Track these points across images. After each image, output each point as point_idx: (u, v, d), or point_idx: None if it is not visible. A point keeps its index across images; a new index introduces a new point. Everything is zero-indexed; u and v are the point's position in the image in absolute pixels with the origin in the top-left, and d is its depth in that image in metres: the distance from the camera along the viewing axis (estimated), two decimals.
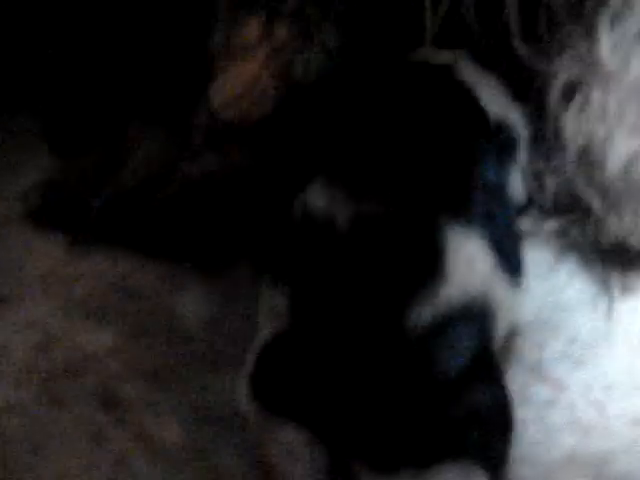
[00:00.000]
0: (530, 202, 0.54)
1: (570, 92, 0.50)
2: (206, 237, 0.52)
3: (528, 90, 0.53)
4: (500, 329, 0.44)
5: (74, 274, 0.50)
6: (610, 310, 0.50)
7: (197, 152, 0.52)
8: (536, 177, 0.54)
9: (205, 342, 0.47)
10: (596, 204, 0.50)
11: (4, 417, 0.43)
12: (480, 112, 0.48)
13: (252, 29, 0.55)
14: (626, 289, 0.51)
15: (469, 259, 0.41)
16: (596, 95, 0.49)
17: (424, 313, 0.39)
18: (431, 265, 0.40)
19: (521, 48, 0.49)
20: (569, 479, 0.43)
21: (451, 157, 0.44)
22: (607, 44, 0.49)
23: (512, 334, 0.47)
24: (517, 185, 0.52)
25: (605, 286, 0.52)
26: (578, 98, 0.49)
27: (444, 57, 0.50)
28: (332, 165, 0.45)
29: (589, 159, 0.49)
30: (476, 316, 0.41)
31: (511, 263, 0.44)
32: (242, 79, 0.54)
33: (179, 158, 0.52)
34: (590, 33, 0.49)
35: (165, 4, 0.56)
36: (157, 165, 0.52)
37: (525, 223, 0.54)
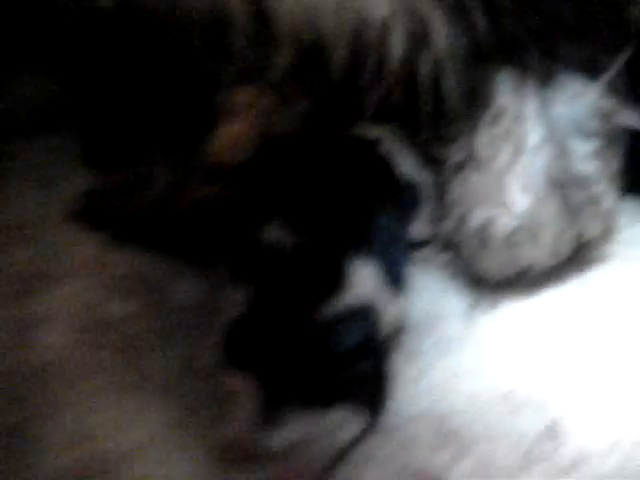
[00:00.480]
0: (430, 240, 0.76)
1: (457, 169, 0.72)
2: (199, 242, 0.74)
3: (434, 162, 0.75)
4: (386, 325, 0.66)
5: (107, 261, 0.72)
6: (472, 320, 0.72)
7: (199, 183, 0.74)
8: (435, 223, 0.76)
9: (192, 313, 0.69)
10: (465, 249, 0.72)
11: (56, 356, 0.65)
12: (389, 177, 0.70)
13: (244, 96, 0.76)
14: (491, 306, 0.73)
15: (364, 279, 0.64)
16: (472, 174, 0.71)
17: (331, 309, 0.62)
18: (338, 280, 0.63)
19: (425, 137, 0.71)
20: (419, 428, 0.64)
21: (361, 209, 0.67)
22: (484, 138, 0.70)
23: (399, 330, 0.69)
24: (420, 227, 0.75)
25: (475, 303, 0.74)
26: (461, 174, 0.71)
27: (373, 133, 0.73)
28: (285, 210, 0.67)
29: (462, 218, 0.71)
30: (365, 314, 0.63)
31: (397, 283, 0.67)
32: (234, 133, 0.75)
33: (186, 186, 0.74)
34: (474, 129, 0.71)
35: (186, 74, 0.77)
36: (170, 189, 0.74)
37: (425, 254, 0.77)
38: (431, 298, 0.74)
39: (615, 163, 0.72)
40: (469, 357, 0.69)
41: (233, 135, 0.75)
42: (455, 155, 0.72)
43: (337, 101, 0.75)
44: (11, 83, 0.87)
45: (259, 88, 0.76)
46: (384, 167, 0.71)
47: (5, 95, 0.87)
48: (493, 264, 0.70)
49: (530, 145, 0.69)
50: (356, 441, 0.62)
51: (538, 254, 0.70)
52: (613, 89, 0.70)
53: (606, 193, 0.71)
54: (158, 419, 0.61)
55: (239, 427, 0.61)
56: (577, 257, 0.74)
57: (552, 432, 0.64)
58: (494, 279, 0.72)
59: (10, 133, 0.87)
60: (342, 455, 0.61)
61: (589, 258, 0.75)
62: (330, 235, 0.65)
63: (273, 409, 0.62)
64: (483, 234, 0.69)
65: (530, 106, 0.69)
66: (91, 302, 0.68)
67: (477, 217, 0.69)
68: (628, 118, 0.70)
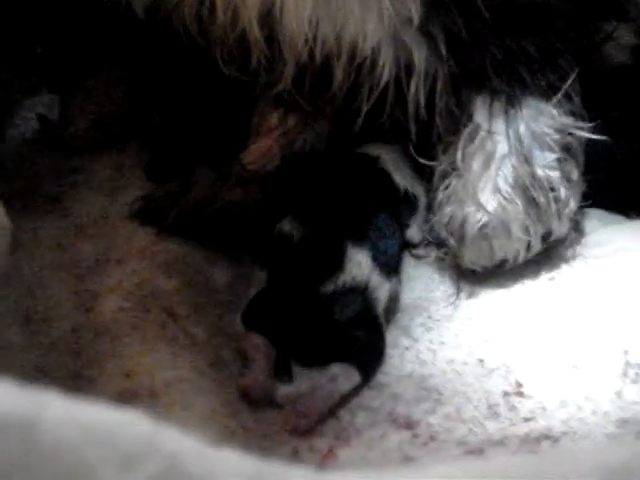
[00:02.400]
0: (423, 240, 0.91)
1: (443, 177, 0.86)
2: (232, 234, 0.88)
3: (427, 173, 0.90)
4: (381, 302, 0.80)
5: (157, 249, 0.86)
6: (455, 304, 0.86)
7: (232, 187, 0.90)
8: (428, 224, 0.90)
9: (224, 290, 0.84)
10: (450, 244, 0.86)
11: (112, 318, 0.79)
12: (387, 185, 0.85)
13: (273, 118, 0.92)
14: (471, 293, 0.87)
15: (358, 263, 0.78)
16: (453, 181, 0.85)
17: (330, 287, 0.77)
18: (337, 263, 0.78)
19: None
20: (405, 385, 0.77)
21: (360, 209, 0.82)
22: (463, 150, 0.85)
23: (394, 308, 0.83)
24: (416, 228, 0.89)
25: (459, 290, 0.87)
26: (446, 181, 0.86)
27: (375, 150, 0.88)
28: (296, 208, 0.82)
29: (446, 217, 0.85)
30: (361, 291, 0.78)
31: (388, 269, 0.81)
32: (262, 148, 0.91)
33: (222, 190, 0.90)
34: (456, 143, 0.86)
35: (225, 101, 0.94)
36: (209, 193, 0.90)
37: (420, 251, 0.91)
38: (422, 286, 0.88)
39: (575, 172, 0.85)
40: (451, 332, 0.82)
41: (262, 150, 0.90)
42: (441, 165, 0.86)
43: (346, 124, 0.89)
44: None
45: (286, 111, 0.91)
46: (383, 178, 0.86)
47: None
48: (473, 256, 0.84)
49: (498, 155, 0.83)
50: (352, 392, 0.75)
51: (511, 246, 0.84)
52: (569, 108, 0.84)
53: (568, 197, 0.84)
54: (189, 365, 0.75)
55: (256, 378, 0.75)
56: (548, 255, 0.87)
57: (515, 391, 0.76)
58: (475, 269, 0.85)
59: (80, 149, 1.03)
60: (340, 403, 0.75)
61: (559, 256, 0.88)
62: (332, 228, 0.80)
63: (284, 365, 0.76)
64: (462, 230, 0.83)
65: (499, 123, 0.83)
66: (142, 279, 0.83)
67: (457, 216, 0.84)
68: (582, 132, 0.84)
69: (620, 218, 0.93)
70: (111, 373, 0.73)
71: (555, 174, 0.83)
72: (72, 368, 0.75)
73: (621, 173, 0.94)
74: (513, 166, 0.82)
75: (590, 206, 0.91)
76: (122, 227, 0.91)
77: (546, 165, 0.83)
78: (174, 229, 0.88)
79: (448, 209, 0.85)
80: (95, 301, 0.81)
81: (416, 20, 0.78)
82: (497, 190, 0.82)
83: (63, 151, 1.04)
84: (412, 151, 0.85)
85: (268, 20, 0.79)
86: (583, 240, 0.89)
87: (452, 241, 0.85)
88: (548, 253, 0.87)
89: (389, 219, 0.83)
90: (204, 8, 0.83)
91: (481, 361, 0.80)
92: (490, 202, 0.82)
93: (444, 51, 0.78)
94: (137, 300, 0.80)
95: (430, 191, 0.89)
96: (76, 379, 0.74)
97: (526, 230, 0.83)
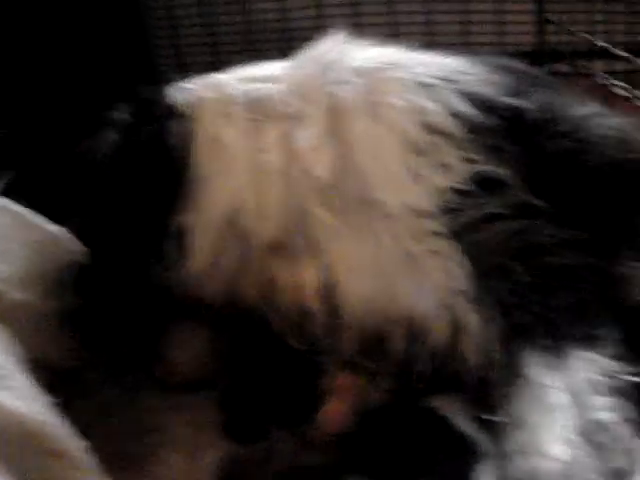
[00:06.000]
0: None
1: (505, 429, 0.90)
2: None
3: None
4: None
5: None
6: None
7: (311, 452, 0.96)
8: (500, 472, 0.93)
9: None
10: None
11: None
12: (452, 434, 0.91)
13: (342, 379, 1.00)
14: None
15: None
16: (516, 434, 0.89)
17: None
18: None
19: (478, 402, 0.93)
20: None
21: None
22: (517, 406, 0.89)
23: None
24: (486, 475, 0.93)
25: None
26: (509, 434, 0.89)
27: (438, 402, 0.95)
28: (368, 467, 0.88)
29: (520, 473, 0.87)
30: None
31: None
32: (337, 410, 0.97)
33: (301, 456, 0.95)
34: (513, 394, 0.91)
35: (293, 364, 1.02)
36: (289, 460, 0.95)
37: None
38: None
39: (634, 412, 0.88)
40: None
41: (337, 412, 0.98)
42: (501, 417, 0.90)
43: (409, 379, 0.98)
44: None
45: (352, 373, 1.00)
46: (448, 427, 0.93)
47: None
48: None
49: (556, 406, 0.87)
50: None
51: None
52: (613, 352, 0.90)
53: (631, 436, 0.87)
54: None
55: None
56: None
57: None
58: None
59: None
60: None
61: None
62: None
63: None
64: None
65: (551, 375, 0.88)
66: None
67: (524, 468, 0.86)
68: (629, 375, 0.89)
69: None
70: None
71: (614, 416, 0.87)
72: None
73: None
74: (573, 415, 0.86)
75: None
76: None
77: (604, 409, 0.87)
78: None
79: (517, 462, 0.88)
80: None
81: (470, 292, 0.89)
82: (562, 440, 0.86)
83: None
84: (471, 405, 0.92)
85: (327, 295, 0.91)
86: None
87: None
88: None
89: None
90: (267, 288, 0.95)
91: None
92: (558, 452, 0.85)
93: (495, 314, 0.88)
94: None
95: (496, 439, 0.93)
96: None
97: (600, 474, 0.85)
